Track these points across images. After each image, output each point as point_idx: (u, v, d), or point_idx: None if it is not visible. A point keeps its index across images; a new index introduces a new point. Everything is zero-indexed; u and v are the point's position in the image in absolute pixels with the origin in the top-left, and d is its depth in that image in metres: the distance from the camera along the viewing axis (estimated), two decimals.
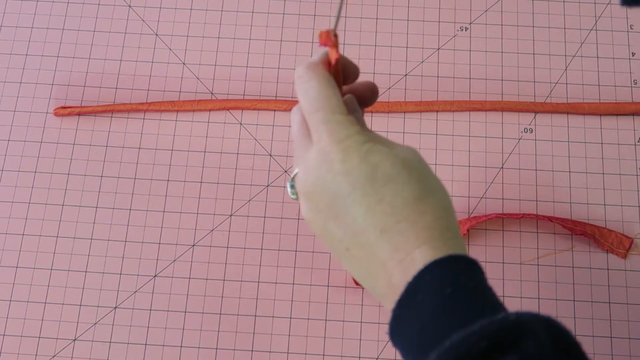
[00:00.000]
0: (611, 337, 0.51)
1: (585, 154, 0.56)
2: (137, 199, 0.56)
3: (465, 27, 0.60)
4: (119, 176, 0.56)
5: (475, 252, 0.53)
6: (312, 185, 0.35)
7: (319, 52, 0.36)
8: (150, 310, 0.53)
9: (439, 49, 0.60)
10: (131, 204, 0.56)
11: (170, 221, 0.55)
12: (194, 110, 0.58)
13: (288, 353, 0.52)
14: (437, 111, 0.57)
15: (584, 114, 0.57)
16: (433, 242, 0.33)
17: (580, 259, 0.53)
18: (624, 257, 0.53)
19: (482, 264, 0.35)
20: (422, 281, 0.32)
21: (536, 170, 0.56)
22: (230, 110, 0.58)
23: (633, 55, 0.59)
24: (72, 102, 0.59)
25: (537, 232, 0.54)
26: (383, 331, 0.52)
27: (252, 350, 0.52)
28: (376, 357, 0.51)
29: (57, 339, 0.52)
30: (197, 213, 0.55)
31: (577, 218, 0.54)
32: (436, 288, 0.31)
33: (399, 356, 0.51)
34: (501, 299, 0.33)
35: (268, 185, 0.56)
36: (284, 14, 0.61)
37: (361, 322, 0.52)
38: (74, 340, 0.52)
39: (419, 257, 0.32)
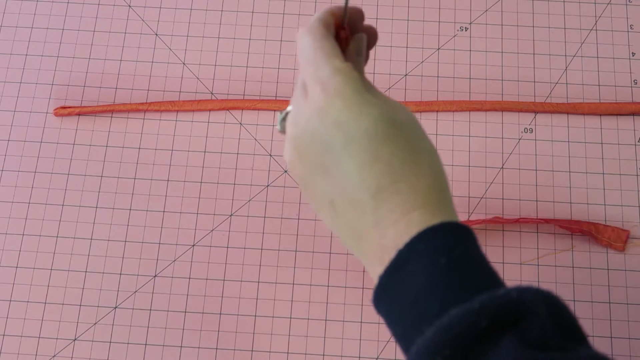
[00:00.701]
0: (611, 337, 0.51)
1: (585, 154, 0.56)
2: (137, 199, 0.56)
3: (465, 27, 0.60)
4: (119, 176, 0.56)
5: None
6: (301, 132, 0.33)
7: (319, 11, 0.35)
8: (150, 310, 0.53)
9: (439, 49, 0.60)
10: (131, 204, 0.55)
11: (170, 221, 0.55)
12: (194, 110, 0.58)
13: (288, 353, 0.52)
14: (437, 111, 0.57)
15: (584, 114, 0.57)
16: (430, 205, 0.31)
17: (580, 259, 0.53)
18: (622, 249, 0.53)
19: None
20: (415, 249, 0.30)
21: (536, 170, 0.56)
22: (230, 110, 0.58)
23: (633, 55, 0.59)
24: (72, 102, 0.59)
25: (537, 233, 0.54)
26: (383, 331, 0.52)
27: (252, 350, 0.52)
28: (376, 357, 0.51)
29: (57, 339, 0.52)
30: (197, 213, 0.55)
31: (577, 218, 0.54)
32: (430, 258, 0.30)
33: (399, 356, 0.52)
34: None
35: (268, 185, 0.56)
36: (284, 14, 0.61)
37: (361, 322, 0.52)
38: (74, 340, 0.52)
39: (417, 220, 0.31)
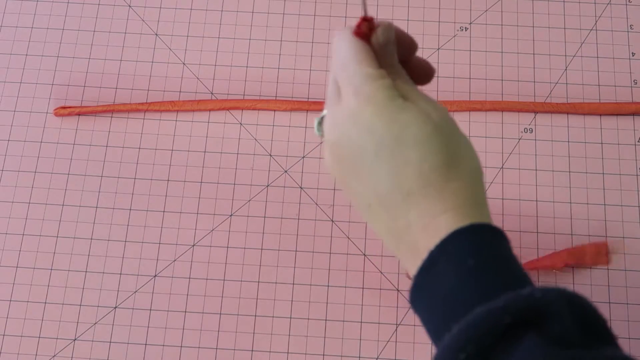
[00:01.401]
0: None
1: (585, 154, 0.56)
2: (137, 199, 0.56)
3: (465, 27, 0.60)
4: (119, 176, 0.56)
5: None
6: (337, 138, 0.34)
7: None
8: (150, 310, 0.53)
9: (439, 49, 0.60)
10: (131, 204, 0.56)
11: (170, 221, 0.55)
12: (194, 110, 0.58)
13: (288, 353, 0.52)
14: None
15: (584, 114, 0.57)
16: (459, 208, 0.32)
17: None
18: (607, 263, 0.53)
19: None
20: (445, 250, 0.31)
21: (536, 170, 0.56)
22: (230, 110, 0.58)
23: (633, 55, 0.59)
24: (72, 102, 0.59)
25: (537, 233, 0.54)
26: (383, 331, 0.52)
27: (252, 350, 0.52)
28: (376, 357, 0.51)
29: (57, 339, 0.52)
30: (197, 213, 0.55)
31: (576, 218, 0.54)
32: (459, 258, 0.31)
33: (399, 356, 0.52)
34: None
35: (268, 185, 0.56)
36: (284, 14, 0.61)
37: (361, 322, 0.52)
38: (74, 340, 0.52)
39: (444, 224, 0.31)
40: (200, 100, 0.58)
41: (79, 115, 0.58)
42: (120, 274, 0.54)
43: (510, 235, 0.34)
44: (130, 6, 0.62)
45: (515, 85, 0.58)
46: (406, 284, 0.53)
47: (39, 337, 0.52)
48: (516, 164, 0.56)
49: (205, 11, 0.61)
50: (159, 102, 0.58)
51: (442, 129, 0.33)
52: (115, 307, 0.53)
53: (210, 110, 0.58)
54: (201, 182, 0.56)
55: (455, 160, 0.32)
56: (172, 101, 0.58)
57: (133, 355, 0.52)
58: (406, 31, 0.36)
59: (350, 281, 0.53)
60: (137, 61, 0.60)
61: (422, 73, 0.38)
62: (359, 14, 0.34)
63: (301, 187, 0.56)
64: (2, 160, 0.57)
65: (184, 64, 0.60)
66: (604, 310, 0.51)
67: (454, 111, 0.57)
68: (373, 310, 0.52)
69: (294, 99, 0.58)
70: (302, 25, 0.61)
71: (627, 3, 0.61)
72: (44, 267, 0.54)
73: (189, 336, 0.52)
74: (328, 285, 0.53)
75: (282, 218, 0.55)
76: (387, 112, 0.32)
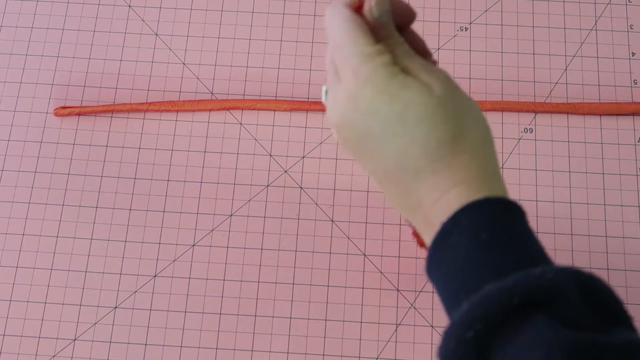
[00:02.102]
0: None
1: (585, 154, 0.56)
2: (137, 199, 0.56)
3: (465, 27, 0.60)
4: (119, 176, 0.56)
5: None
6: (340, 120, 0.33)
7: None
8: (150, 310, 0.53)
9: (439, 49, 0.60)
10: (131, 204, 0.56)
11: (170, 221, 0.55)
12: (194, 110, 0.58)
13: (288, 353, 0.52)
14: None
15: (584, 114, 0.57)
16: (470, 181, 0.31)
17: (580, 259, 0.53)
18: (425, 245, 0.50)
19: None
20: (458, 223, 0.30)
21: (536, 170, 0.56)
22: (230, 110, 0.58)
23: (633, 55, 0.59)
24: (72, 102, 0.59)
25: (537, 233, 0.54)
26: (383, 331, 0.52)
27: (252, 350, 0.52)
28: (376, 357, 0.51)
29: (57, 339, 0.52)
30: (197, 213, 0.55)
31: (576, 218, 0.54)
32: (471, 231, 0.30)
33: (399, 356, 0.52)
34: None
35: (268, 185, 0.56)
36: (284, 14, 0.61)
37: (361, 322, 0.52)
38: (74, 340, 0.52)
39: (455, 197, 0.31)
40: (200, 100, 0.58)
41: (79, 115, 0.58)
42: (120, 274, 0.54)
43: None
44: (130, 6, 0.62)
45: (515, 85, 0.58)
46: (406, 284, 0.53)
47: (39, 337, 0.52)
48: (516, 164, 0.56)
49: (205, 11, 0.61)
50: (159, 102, 0.58)
51: (446, 102, 0.32)
52: (115, 307, 0.53)
53: (210, 110, 0.58)
54: (201, 182, 0.56)
55: (462, 132, 0.32)
56: (172, 101, 0.58)
57: (133, 355, 0.52)
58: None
59: (350, 281, 0.53)
60: (137, 61, 0.60)
61: (418, 49, 0.36)
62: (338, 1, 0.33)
63: (301, 187, 0.56)
64: (2, 160, 0.57)
65: (184, 64, 0.60)
66: None
67: None
68: (373, 310, 0.52)
69: (294, 99, 0.58)
70: (302, 25, 0.61)
71: (627, 3, 0.61)
72: (44, 267, 0.54)
73: (189, 336, 0.52)
74: (328, 285, 0.53)
75: (282, 218, 0.55)
76: (387, 91, 0.32)
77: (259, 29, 0.61)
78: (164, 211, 0.55)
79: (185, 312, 0.53)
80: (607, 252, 0.53)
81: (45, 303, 0.53)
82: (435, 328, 0.52)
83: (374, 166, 0.33)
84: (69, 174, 0.56)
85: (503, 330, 0.28)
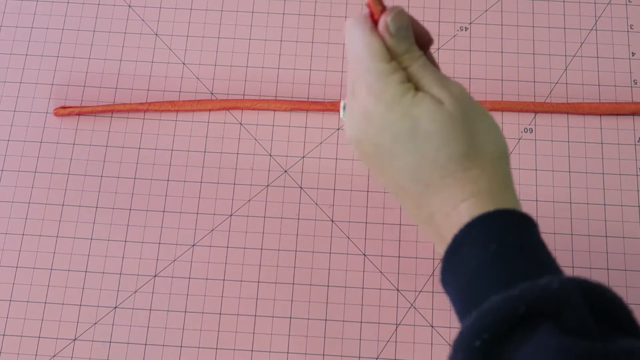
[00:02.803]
0: None
1: (585, 154, 0.56)
2: (137, 199, 0.56)
3: (465, 27, 0.60)
4: (119, 176, 0.56)
5: None
6: (355, 135, 0.35)
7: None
8: (150, 310, 0.53)
9: (439, 49, 0.60)
10: (131, 204, 0.55)
11: (170, 221, 0.55)
12: (194, 110, 0.58)
13: (288, 353, 0.52)
14: None
15: (584, 114, 0.57)
16: (480, 195, 0.32)
17: (579, 259, 0.53)
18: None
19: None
20: (468, 235, 0.31)
21: (536, 170, 0.56)
22: (230, 110, 0.58)
23: (633, 55, 0.59)
24: (72, 102, 0.59)
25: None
26: (383, 331, 0.52)
27: (252, 350, 0.52)
28: (376, 357, 0.51)
29: (57, 339, 0.52)
30: (197, 213, 0.55)
31: (576, 218, 0.54)
32: (481, 243, 0.31)
33: (399, 356, 0.52)
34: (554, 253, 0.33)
35: (268, 185, 0.56)
36: (284, 14, 0.61)
37: (361, 322, 0.52)
38: (74, 340, 0.52)
39: (466, 211, 0.31)
40: (200, 100, 0.58)
41: (79, 115, 0.58)
42: (120, 274, 0.54)
43: None
44: (130, 6, 0.62)
45: (515, 85, 0.58)
46: (406, 284, 0.53)
47: (39, 337, 0.52)
48: (516, 164, 0.56)
49: (205, 11, 0.61)
50: (159, 102, 0.58)
51: (456, 118, 0.32)
52: (115, 307, 0.53)
53: (210, 110, 0.58)
54: (201, 182, 0.56)
55: (473, 147, 0.32)
56: (172, 101, 0.58)
57: (133, 355, 0.52)
58: None
59: (350, 281, 0.53)
60: (137, 61, 0.60)
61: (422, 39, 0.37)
62: (357, 14, 0.34)
63: (301, 187, 0.56)
64: (2, 160, 0.57)
65: (184, 64, 0.60)
66: None
67: None
68: (373, 310, 0.52)
69: (294, 99, 0.58)
70: (302, 25, 0.61)
71: (627, 3, 0.61)
72: (44, 267, 0.54)
73: (189, 336, 0.52)
74: (328, 285, 0.53)
75: (282, 218, 0.55)
76: (399, 108, 0.32)
77: (259, 29, 0.61)
78: (164, 211, 0.55)
79: (185, 312, 0.53)
80: (607, 252, 0.53)
81: (45, 303, 0.53)
82: (435, 328, 0.52)
83: (389, 180, 0.34)
84: (69, 174, 0.56)
85: (510, 339, 0.28)
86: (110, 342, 0.52)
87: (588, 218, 0.54)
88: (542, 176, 0.56)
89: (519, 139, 0.57)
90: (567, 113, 0.57)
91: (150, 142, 0.57)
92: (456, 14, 0.61)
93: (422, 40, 0.36)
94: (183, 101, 0.58)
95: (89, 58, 0.60)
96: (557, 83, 0.58)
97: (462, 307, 0.32)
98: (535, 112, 0.57)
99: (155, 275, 0.54)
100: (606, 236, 0.54)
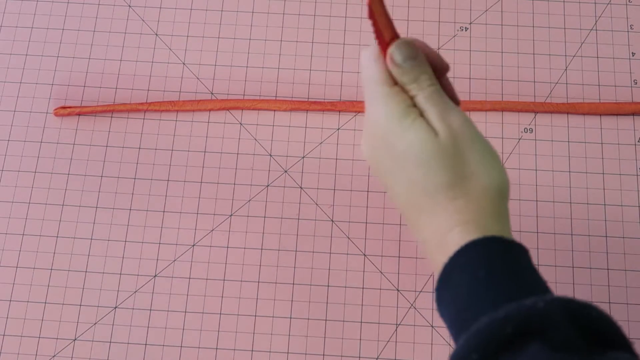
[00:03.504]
0: None
1: (585, 154, 0.56)
2: (137, 199, 0.56)
3: (465, 27, 0.60)
4: (119, 176, 0.56)
5: None
6: (364, 149, 0.36)
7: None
8: (150, 310, 0.53)
9: (439, 49, 0.60)
10: (131, 204, 0.55)
11: (170, 221, 0.55)
12: (194, 110, 0.58)
13: (288, 353, 0.52)
14: None
15: (584, 114, 0.57)
16: (467, 224, 0.32)
17: (580, 259, 0.53)
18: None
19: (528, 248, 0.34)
20: (457, 263, 0.32)
21: (536, 170, 0.56)
22: (230, 110, 0.58)
23: (633, 55, 0.59)
24: (72, 102, 0.59)
25: (537, 233, 0.54)
26: (383, 331, 0.52)
27: (252, 350, 0.52)
28: (376, 357, 0.51)
29: (57, 339, 0.52)
30: (197, 213, 0.55)
31: (576, 218, 0.54)
32: (470, 270, 0.32)
33: (399, 356, 0.52)
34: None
35: (268, 185, 0.56)
36: (284, 14, 0.61)
37: (361, 322, 0.52)
38: (74, 340, 0.52)
39: (453, 240, 0.32)
40: (200, 100, 0.58)
41: (79, 115, 0.58)
42: (120, 274, 0.54)
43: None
44: (130, 6, 0.62)
45: (515, 85, 0.58)
46: (406, 284, 0.53)
47: (39, 337, 0.52)
48: (516, 164, 0.56)
49: (205, 11, 0.61)
50: (159, 102, 0.58)
51: (447, 148, 0.33)
52: (115, 307, 0.53)
53: (210, 110, 0.58)
54: (201, 182, 0.56)
55: (460, 179, 0.33)
56: (172, 101, 0.58)
57: (133, 355, 0.52)
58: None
59: (350, 281, 0.53)
60: (137, 61, 0.60)
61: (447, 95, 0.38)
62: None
63: (301, 187, 0.56)
64: (2, 160, 0.57)
65: (184, 64, 0.60)
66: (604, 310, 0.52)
67: None
68: (373, 310, 0.52)
69: (294, 99, 0.58)
70: (302, 25, 0.61)
71: (627, 3, 0.61)
72: (44, 267, 0.54)
73: (189, 336, 0.52)
74: (328, 285, 0.53)
75: (282, 218, 0.55)
76: (396, 130, 0.34)
77: (259, 29, 0.61)
78: (164, 211, 0.55)
79: (185, 312, 0.53)
80: (607, 252, 0.53)
81: (45, 303, 0.53)
82: (435, 328, 0.52)
83: (392, 197, 0.36)
84: (69, 174, 0.56)
85: (499, 358, 0.29)
86: (110, 342, 0.52)
87: (588, 218, 0.54)
88: (542, 176, 0.56)
89: (519, 139, 0.57)
90: (567, 113, 0.57)
91: (150, 142, 0.57)
92: (456, 14, 0.61)
93: (437, 68, 0.37)
94: (183, 101, 0.58)
95: (89, 58, 0.60)
96: (557, 83, 0.58)
97: (455, 333, 0.33)
98: (535, 112, 0.57)
99: (155, 275, 0.54)
100: (606, 236, 0.54)
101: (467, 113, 0.57)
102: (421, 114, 0.34)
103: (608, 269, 0.53)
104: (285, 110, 0.58)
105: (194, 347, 0.52)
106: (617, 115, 0.57)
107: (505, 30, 0.60)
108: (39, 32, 0.61)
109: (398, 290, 0.53)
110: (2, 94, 0.59)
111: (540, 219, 0.55)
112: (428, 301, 0.53)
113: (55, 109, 0.58)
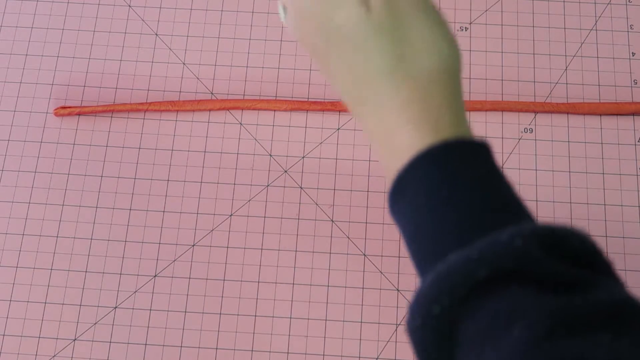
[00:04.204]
0: None
1: (585, 154, 0.56)
2: (137, 199, 0.56)
3: (465, 27, 0.60)
4: (119, 176, 0.56)
5: None
6: (295, 34, 0.31)
7: None
8: (150, 310, 0.53)
9: None
10: (131, 204, 0.55)
11: (170, 221, 0.55)
12: (194, 110, 0.58)
13: (288, 353, 0.52)
14: None
15: (584, 114, 0.57)
16: (415, 123, 0.27)
17: None
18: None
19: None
20: (414, 176, 0.27)
21: (536, 170, 0.56)
22: (230, 110, 0.58)
23: (633, 55, 0.59)
24: (72, 102, 0.59)
25: None
26: (383, 331, 0.52)
27: (252, 350, 0.52)
28: (376, 357, 0.51)
29: (57, 339, 0.52)
30: (197, 213, 0.55)
31: (577, 218, 0.54)
32: (430, 187, 0.27)
33: (399, 356, 0.52)
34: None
35: (268, 185, 0.56)
36: None
37: (361, 322, 0.52)
38: (74, 340, 0.52)
39: (401, 142, 0.27)
40: (200, 100, 0.58)
41: (79, 115, 0.58)
42: (120, 274, 0.54)
43: None
44: (130, 6, 0.62)
45: (515, 85, 0.58)
46: (406, 284, 0.53)
47: (39, 337, 0.52)
48: (516, 164, 0.56)
49: (205, 11, 0.61)
50: (159, 102, 0.58)
51: (383, 25, 0.28)
52: (115, 307, 0.53)
53: (210, 110, 0.58)
54: (201, 182, 0.56)
55: (404, 61, 0.27)
56: (172, 101, 0.58)
57: (133, 355, 0.52)
58: None
59: (350, 281, 0.53)
60: (137, 61, 0.60)
61: None
62: None
63: (301, 187, 0.56)
64: (2, 160, 0.57)
65: (184, 64, 0.60)
66: None
67: None
68: (373, 310, 0.52)
69: (294, 99, 0.58)
70: None
71: (627, 3, 0.61)
72: (44, 267, 0.54)
73: (189, 336, 0.52)
74: (328, 285, 0.53)
75: (282, 218, 0.55)
76: (327, 7, 0.28)
77: (259, 29, 0.61)
78: (164, 211, 0.55)
79: (185, 312, 0.53)
80: (607, 252, 0.53)
81: (45, 303, 0.53)
82: None
83: (331, 83, 0.30)
84: (69, 174, 0.56)
85: (471, 303, 0.25)
86: (110, 342, 0.52)
87: (588, 218, 0.54)
88: (542, 176, 0.56)
89: (519, 139, 0.57)
90: (567, 113, 0.57)
91: (150, 142, 0.57)
92: (456, 14, 0.61)
93: None
94: (183, 101, 0.58)
95: (89, 58, 0.60)
96: (557, 83, 0.58)
97: (414, 254, 0.28)
98: (535, 112, 0.57)
99: (155, 275, 0.54)
100: (606, 236, 0.54)
101: (467, 113, 0.57)
102: None
103: None
104: (285, 110, 0.58)
105: (194, 347, 0.52)
106: (617, 115, 0.57)
107: (505, 30, 0.60)
108: (39, 32, 0.61)
109: (398, 290, 0.53)
110: (2, 94, 0.59)
111: (540, 219, 0.55)
112: None
113: (55, 109, 0.58)
